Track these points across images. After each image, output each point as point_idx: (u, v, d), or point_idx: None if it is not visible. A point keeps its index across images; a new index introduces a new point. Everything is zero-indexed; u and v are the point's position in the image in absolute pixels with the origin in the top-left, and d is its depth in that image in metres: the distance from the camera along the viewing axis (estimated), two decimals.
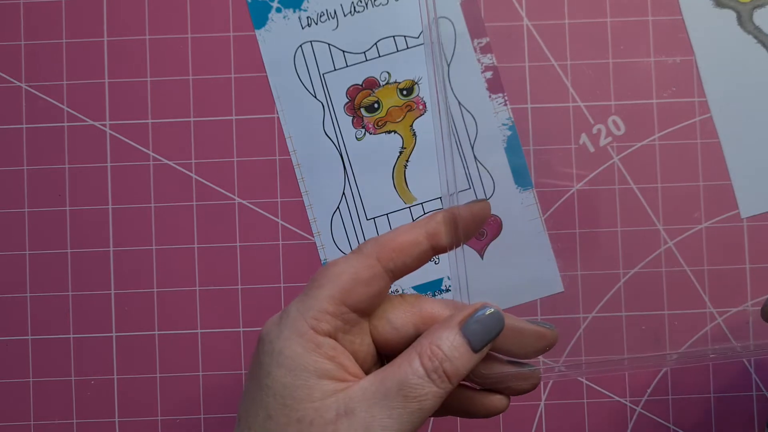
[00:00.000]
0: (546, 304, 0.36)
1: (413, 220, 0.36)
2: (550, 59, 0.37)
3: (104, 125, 0.37)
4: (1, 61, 0.37)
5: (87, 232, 0.36)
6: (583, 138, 0.36)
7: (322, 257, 0.36)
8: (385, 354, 0.26)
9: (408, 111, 0.36)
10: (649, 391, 0.36)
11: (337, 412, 0.22)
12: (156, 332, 0.36)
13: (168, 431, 0.36)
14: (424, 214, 0.36)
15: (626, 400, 0.36)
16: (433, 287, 0.36)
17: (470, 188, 0.36)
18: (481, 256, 0.36)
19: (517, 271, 0.36)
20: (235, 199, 0.36)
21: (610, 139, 0.36)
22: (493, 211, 0.36)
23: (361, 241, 0.36)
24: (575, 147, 0.36)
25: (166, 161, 0.37)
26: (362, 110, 0.37)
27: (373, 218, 0.36)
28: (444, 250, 0.25)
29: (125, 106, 0.37)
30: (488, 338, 0.24)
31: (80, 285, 0.36)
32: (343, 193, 0.36)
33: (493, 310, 0.24)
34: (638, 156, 0.36)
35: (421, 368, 0.23)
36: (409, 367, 0.23)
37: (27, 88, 0.37)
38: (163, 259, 0.36)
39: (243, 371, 0.36)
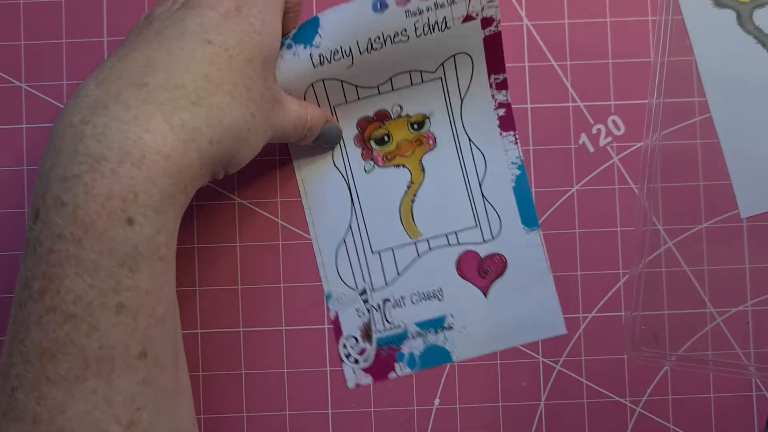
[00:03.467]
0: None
1: (418, 256, 0.36)
2: (550, 59, 0.37)
3: None
4: (1, 61, 0.37)
5: None
6: (583, 138, 0.36)
7: (326, 289, 0.36)
8: None
9: (418, 145, 0.36)
10: (649, 391, 0.36)
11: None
12: None
13: None
14: (430, 250, 0.36)
15: (626, 400, 0.36)
16: (436, 324, 0.36)
17: (476, 226, 0.36)
18: (485, 295, 0.36)
19: (520, 312, 0.36)
20: (235, 199, 0.36)
21: (610, 139, 0.36)
22: (498, 251, 0.36)
23: (366, 275, 0.36)
24: (575, 147, 0.36)
25: None
26: (372, 142, 0.36)
27: (378, 252, 0.36)
28: None
29: None
30: (330, 139, 0.35)
31: None
32: (350, 226, 0.36)
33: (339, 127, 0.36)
34: (638, 156, 0.36)
35: (306, 124, 0.33)
36: (305, 115, 0.33)
37: (27, 88, 0.37)
38: None
39: (243, 371, 0.36)
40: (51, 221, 0.24)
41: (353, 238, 0.36)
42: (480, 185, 0.36)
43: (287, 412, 0.36)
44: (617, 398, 0.36)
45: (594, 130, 0.36)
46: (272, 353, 0.36)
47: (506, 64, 0.36)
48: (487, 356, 0.36)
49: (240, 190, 0.37)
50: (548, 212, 0.36)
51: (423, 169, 0.36)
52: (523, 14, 0.37)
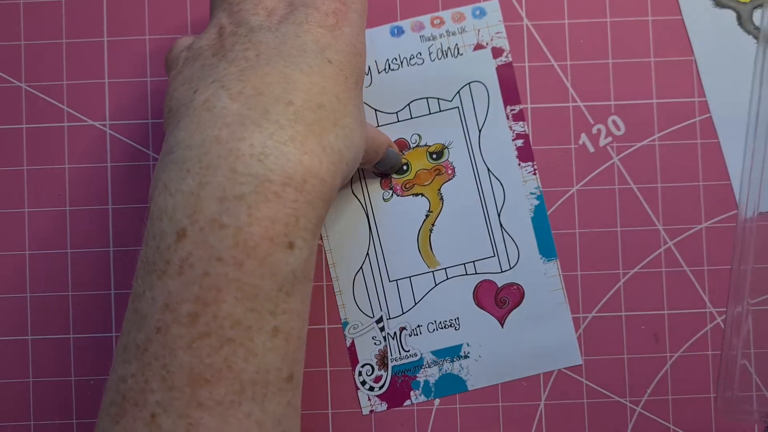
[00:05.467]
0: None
1: (436, 285, 0.36)
2: (550, 59, 0.37)
3: (104, 125, 0.37)
4: (1, 61, 0.37)
5: (87, 233, 0.36)
6: (583, 138, 0.36)
7: (342, 317, 0.36)
8: None
9: (437, 175, 0.36)
10: (649, 391, 0.36)
11: None
12: None
13: None
14: (447, 279, 0.36)
15: (626, 400, 0.36)
16: (452, 353, 0.36)
17: (494, 255, 0.36)
18: (502, 324, 0.36)
19: (536, 342, 0.36)
20: None
21: (610, 139, 0.36)
22: (516, 280, 0.36)
23: (383, 303, 0.36)
24: (575, 147, 0.36)
25: None
26: None
27: (396, 280, 0.36)
28: None
29: (125, 106, 0.37)
30: (391, 164, 0.35)
31: (80, 285, 0.36)
32: (367, 254, 0.36)
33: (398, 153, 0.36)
34: (638, 156, 0.36)
35: (376, 146, 0.33)
36: (377, 136, 0.33)
37: (27, 88, 0.37)
38: None
39: None
40: (206, 243, 0.23)
41: (371, 267, 0.36)
42: (498, 215, 0.36)
43: None
44: (617, 398, 0.36)
45: (594, 130, 0.36)
46: None
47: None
48: None
49: None
50: (548, 212, 0.36)
51: (441, 199, 0.36)
52: (523, 14, 0.37)
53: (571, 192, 0.36)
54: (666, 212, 0.36)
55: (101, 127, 0.37)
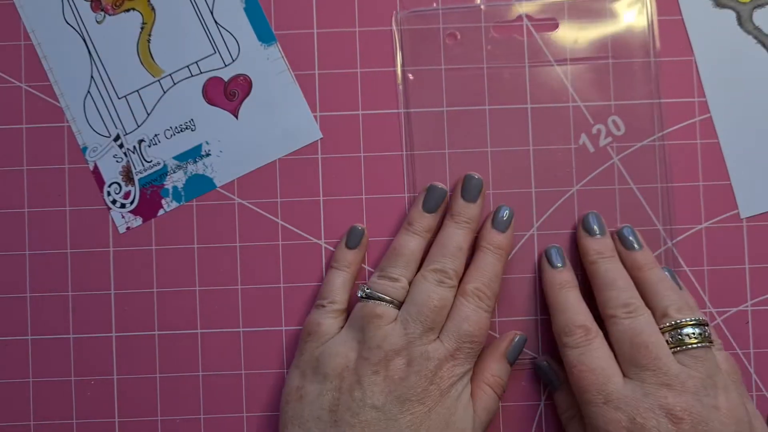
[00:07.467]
0: (544, 302, 0.36)
1: (164, 93, 0.36)
2: (550, 59, 0.37)
3: None
4: (1, 61, 0.37)
5: (87, 232, 0.36)
6: (583, 138, 0.36)
7: (80, 142, 0.36)
8: None
9: None
10: None
11: None
12: (156, 332, 0.36)
13: (168, 431, 0.36)
14: (174, 84, 0.36)
15: None
16: (193, 154, 0.37)
17: (215, 52, 0.36)
18: (236, 116, 0.37)
19: (274, 125, 0.37)
20: (235, 199, 0.36)
21: (609, 139, 0.36)
22: (241, 71, 0.37)
23: (116, 120, 0.36)
24: (575, 147, 0.36)
25: None
26: None
27: (125, 96, 0.36)
28: None
29: None
30: (519, 354, 0.35)
31: (80, 285, 0.36)
32: (92, 77, 0.36)
33: (520, 335, 0.35)
34: (638, 156, 0.36)
35: (495, 396, 0.34)
36: (488, 397, 0.34)
37: (27, 88, 0.37)
38: (163, 259, 0.36)
39: (243, 371, 0.36)
40: None
41: (97, 88, 0.36)
42: (211, 12, 0.37)
43: None
44: None
45: (594, 130, 0.36)
46: (272, 353, 0.36)
47: (506, 65, 0.36)
48: None
49: (240, 190, 0.37)
50: (548, 212, 0.36)
51: (153, 8, 0.37)
52: (523, 14, 0.37)
53: (571, 192, 0.36)
54: (666, 212, 0.36)
55: None
